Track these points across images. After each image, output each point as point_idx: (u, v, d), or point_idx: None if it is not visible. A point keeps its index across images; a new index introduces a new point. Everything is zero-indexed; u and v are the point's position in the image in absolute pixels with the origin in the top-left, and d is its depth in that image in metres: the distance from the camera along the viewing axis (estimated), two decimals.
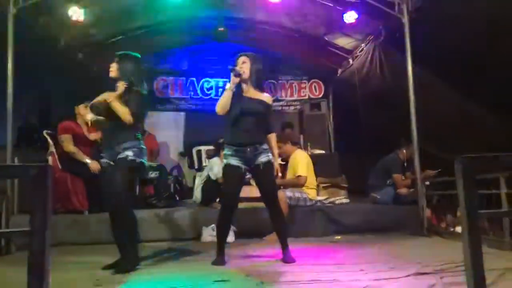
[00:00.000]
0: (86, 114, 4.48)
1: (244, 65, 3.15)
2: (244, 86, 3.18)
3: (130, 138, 2.95)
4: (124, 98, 2.96)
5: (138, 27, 6.09)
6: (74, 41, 5.55)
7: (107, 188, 2.95)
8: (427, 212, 4.52)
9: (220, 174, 4.98)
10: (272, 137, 3.31)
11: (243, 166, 3.11)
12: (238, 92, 3.14)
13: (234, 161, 3.10)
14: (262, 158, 3.12)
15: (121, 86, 2.97)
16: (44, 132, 4.60)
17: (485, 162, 1.09)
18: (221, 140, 5.48)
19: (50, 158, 4.50)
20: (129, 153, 2.91)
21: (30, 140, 5.50)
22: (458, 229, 4.22)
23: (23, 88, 4.25)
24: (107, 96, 2.95)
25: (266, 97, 3.25)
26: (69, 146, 4.41)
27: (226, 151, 3.17)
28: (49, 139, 4.54)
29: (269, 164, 3.16)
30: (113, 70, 3.04)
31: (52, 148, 4.50)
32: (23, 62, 4.20)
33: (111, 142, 2.98)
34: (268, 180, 3.19)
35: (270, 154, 3.18)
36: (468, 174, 1.00)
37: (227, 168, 3.15)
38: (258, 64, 3.20)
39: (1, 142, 4.11)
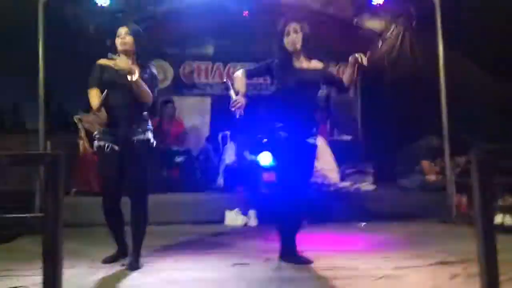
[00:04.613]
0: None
1: (296, 35, 2.77)
2: (294, 58, 2.82)
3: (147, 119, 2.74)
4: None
5: (164, 12, 6.09)
6: (102, 27, 5.64)
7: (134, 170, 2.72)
8: (463, 200, 4.37)
9: (231, 160, 5.03)
10: None
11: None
12: (287, 65, 2.80)
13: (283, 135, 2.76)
14: (310, 140, 2.77)
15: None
16: (74, 117, 4.76)
17: (504, 155, 1.03)
18: None
19: (80, 142, 4.66)
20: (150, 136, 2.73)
21: (64, 124, 5.69)
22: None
23: (54, 75, 4.37)
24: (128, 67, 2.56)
25: (317, 63, 2.90)
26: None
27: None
28: (79, 124, 4.69)
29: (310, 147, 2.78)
30: (128, 42, 2.70)
31: (82, 132, 4.65)
32: (53, 49, 4.32)
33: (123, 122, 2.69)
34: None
35: (315, 138, 2.82)
36: (483, 167, 0.95)
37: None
38: (309, 30, 2.82)
39: (36, 126, 4.28)
